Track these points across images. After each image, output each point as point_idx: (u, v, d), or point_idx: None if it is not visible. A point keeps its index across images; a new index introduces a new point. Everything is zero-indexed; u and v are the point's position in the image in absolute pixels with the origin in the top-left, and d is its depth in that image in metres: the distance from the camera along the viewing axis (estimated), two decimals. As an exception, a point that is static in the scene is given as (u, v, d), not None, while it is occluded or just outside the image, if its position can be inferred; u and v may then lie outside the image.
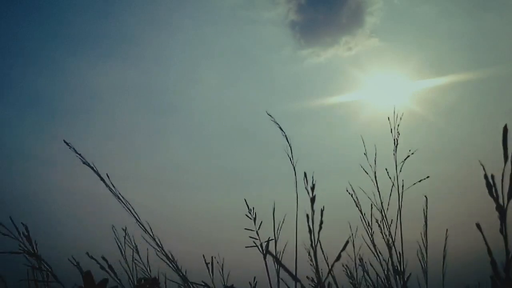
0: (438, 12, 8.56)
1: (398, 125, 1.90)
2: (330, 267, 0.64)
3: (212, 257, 1.89)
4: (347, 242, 0.63)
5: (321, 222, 0.64)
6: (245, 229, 1.80)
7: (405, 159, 1.83)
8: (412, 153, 1.82)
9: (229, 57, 9.33)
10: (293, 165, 1.83)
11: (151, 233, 1.65)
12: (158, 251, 1.69)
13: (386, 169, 1.79)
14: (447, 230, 1.73)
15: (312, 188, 0.67)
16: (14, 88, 8.64)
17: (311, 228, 0.64)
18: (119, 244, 1.76)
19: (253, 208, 1.80)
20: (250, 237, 1.77)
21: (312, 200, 0.66)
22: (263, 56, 9.23)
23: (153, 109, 9.24)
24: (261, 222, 1.79)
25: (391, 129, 1.91)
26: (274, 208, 1.80)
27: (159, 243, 1.69)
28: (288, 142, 1.89)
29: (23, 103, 8.68)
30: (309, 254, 1.68)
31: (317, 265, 0.66)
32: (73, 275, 1.66)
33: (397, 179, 1.80)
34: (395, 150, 1.88)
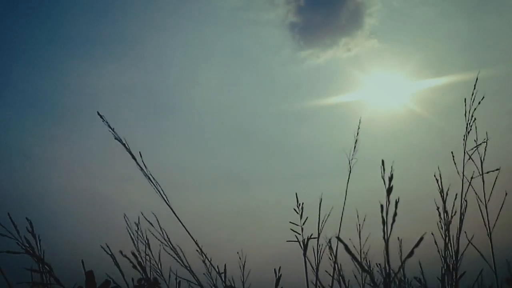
0: (437, 13, 8.59)
1: (474, 109, 1.78)
2: (401, 264, 0.65)
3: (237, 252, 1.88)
4: (421, 238, 0.63)
5: (395, 214, 0.64)
6: (290, 222, 1.81)
7: (476, 147, 1.75)
8: (484, 141, 1.74)
9: (229, 58, 9.35)
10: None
11: (179, 219, 1.64)
12: (166, 245, 1.68)
13: (452, 155, 1.71)
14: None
15: (390, 178, 0.67)
16: (14, 89, 8.64)
17: (385, 220, 0.64)
18: (132, 236, 1.75)
19: (302, 203, 1.79)
20: (292, 229, 1.79)
21: (389, 191, 0.66)
22: (262, 57, 9.26)
23: (153, 110, 9.25)
24: (307, 217, 1.78)
25: (465, 113, 1.79)
26: (320, 202, 1.79)
27: (166, 237, 1.68)
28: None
29: (23, 103, 8.68)
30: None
31: (388, 258, 0.65)
32: (74, 275, 1.66)
33: (463, 168, 1.74)
34: (466, 136, 1.78)
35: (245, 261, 1.88)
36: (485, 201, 1.74)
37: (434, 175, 1.72)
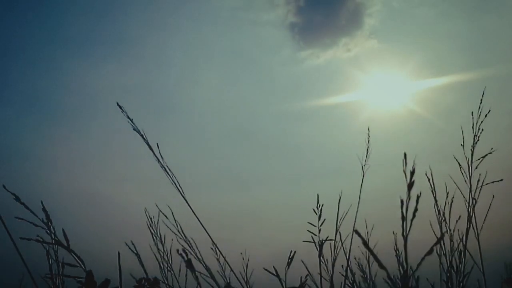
0: (437, 13, 8.60)
1: (481, 122, 1.86)
2: (420, 261, 0.64)
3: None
4: (443, 235, 0.64)
5: (416, 210, 0.63)
6: (308, 222, 1.82)
7: (483, 157, 1.82)
8: (491, 153, 1.80)
9: (229, 58, 9.36)
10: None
11: (194, 213, 1.65)
12: (180, 237, 1.68)
13: (459, 163, 1.77)
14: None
15: (412, 172, 0.67)
16: (14, 89, 8.64)
17: (405, 215, 0.63)
18: (152, 230, 1.76)
19: (322, 205, 1.80)
20: (309, 230, 1.81)
21: (410, 186, 0.65)
22: (262, 57, 9.27)
23: (153, 110, 9.25)
24: (324, 219, 1.78)
25: (473, 125, 1.87)
26: (339, 200, 1.80)
27: (180, 230, 1.68)
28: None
29: (23, 103, 8.69)
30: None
31: (406, 256, 0.65)
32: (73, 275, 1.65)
33: (470, 178, 1.79)
34: (473, 147, 1.85)
35: (248, 261, 1.87)
36: (473, 204, 1.78)
37: (426, 174, 1.76)
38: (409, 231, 0.64)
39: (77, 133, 8.41)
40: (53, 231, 1.49)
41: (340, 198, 1.81)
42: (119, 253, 1.50)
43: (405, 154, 0.70)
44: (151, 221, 1.82)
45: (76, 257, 1.48)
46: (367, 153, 1.97)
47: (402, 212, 0.63)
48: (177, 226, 1.72)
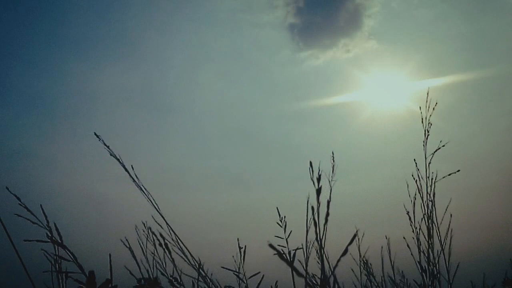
0: (435, 14, 8.62)
1: (430, 115, 1.88)
2: (336, 263, 0.64)
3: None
4: (355, 235, 0.63)
5: (327, 214, 0.63)
6: (275, 236, 1.84)
7: (435, 151, 1.84)
8: (444, 146, 1.81)
9: (229, 59, 9.37)
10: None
11: (170, 226, 1.66)
12: (174, 245, 1.68)
13: (414, 160, 1.79)
14: (451, 230, 1.73)
15: (318, 179, 0.67)
16: (14, 89, 8.65)
17: (317, 221, 0.63)
18: (140, 242, 1.77)
19: (285, 217, 1.81)
20: (279, 245, 1.82)
21: (318, 191, 0.65)
22: (262, 58, 9.28)
23: (153, 111, 9.25)
24: (291, 231, 1.80)
25: (422, 119, 1.89)
26: (307, 202, 1.82)
27: (176, 238, 1.68)
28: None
29: (23, 103, 8.69)
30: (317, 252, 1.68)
31: (322, 260, 0.66)
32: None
33: (427, 171, 1.81)
34: (425, 141, 1.88)
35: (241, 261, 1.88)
36: (430, 199, 1.79)
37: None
38: (323, 235, 0.65)
39: (77, 133, 8.41)
40: (49, 229, 1.56)
41: (308, 200, 1.83)
42: (110, 255, 1.53)
43: (310, 163, 0.71)
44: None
45: (69, 253, 1.51)
46: (333, 170, 2.04)
47: (314, 218, 0.64)
48: (171, 234, 1.72)
